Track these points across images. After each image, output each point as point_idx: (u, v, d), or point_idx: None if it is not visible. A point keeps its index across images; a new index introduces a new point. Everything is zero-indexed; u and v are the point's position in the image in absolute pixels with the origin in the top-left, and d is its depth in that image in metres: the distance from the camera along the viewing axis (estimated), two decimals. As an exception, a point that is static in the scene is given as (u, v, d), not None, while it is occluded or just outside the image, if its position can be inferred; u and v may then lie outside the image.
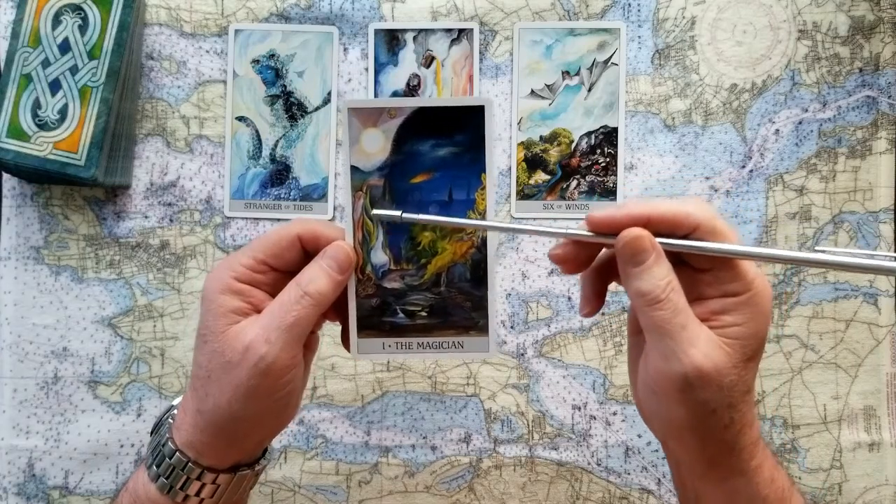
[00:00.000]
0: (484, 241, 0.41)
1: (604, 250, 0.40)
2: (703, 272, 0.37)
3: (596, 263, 0.41)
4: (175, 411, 0.42)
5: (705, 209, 0.37)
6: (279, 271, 0.40)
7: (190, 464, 0.40)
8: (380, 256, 0.42)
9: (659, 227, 0.37)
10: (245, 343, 0.38)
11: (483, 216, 0.41)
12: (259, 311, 0.39)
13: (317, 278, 0.39)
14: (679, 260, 0.38)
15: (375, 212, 0.41)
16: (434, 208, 0.41)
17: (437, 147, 0.41)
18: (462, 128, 0.40)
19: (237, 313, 0.39)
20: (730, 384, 0.36)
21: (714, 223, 0.36)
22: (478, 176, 0.41)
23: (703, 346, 0.35)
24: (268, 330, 0.38)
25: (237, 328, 0.39)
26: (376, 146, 0.41)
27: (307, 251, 0.41)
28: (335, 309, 0.42)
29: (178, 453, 0.40)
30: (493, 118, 0.40)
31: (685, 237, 0.37)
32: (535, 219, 0.59)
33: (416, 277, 0.42)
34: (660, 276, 0.36)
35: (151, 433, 0.43)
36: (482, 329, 0.42)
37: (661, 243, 0.37)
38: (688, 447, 0.38)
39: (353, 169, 0.41)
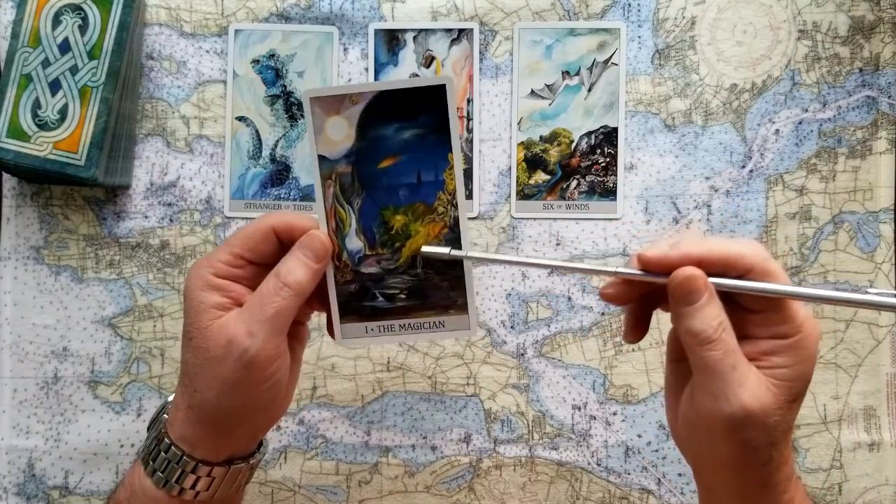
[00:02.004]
0: (456, 221, 0.42)
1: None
2: (753, 313, 0.37)
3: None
4: (169, 408, 0.42)
5: (759, 251, 0.37)
6: (257, 264, 0.41)
7: (184, 457, 0.40)
8: (354, 242, 0.42)
9: (711, 267, 0.37)
10: (228, 337, 0.38)
11: (453, 196, 0.41)
12: (240, 306, 0.40)
13: (295, 269, 0.40)
14: (729, 299, 0.38)
15: (425, 249, 0.41)
16: (404, 191, 0.41)
17: (401, 130, 0.41)
18: (424, 109, 0.40)
19: (218, 308, 0.39)
20: (774, 424, 0.36)
21: (767, 265, 0.37)
22: (444, 156, 0.41)
23: (751, 386, 0.36)
24: (249, 323, 0.38)
25: (219, 323, 0.39)
26: (341, 133, 0.41)
27: (283, 243, 0.41)
28: (318, 298, 0.42)
29: (172, 447, 0.40)
30: (455, 96, 0.41)
31: (738, 278, 0.37)
32: (535, 219, 0.59)
33: (392, 261, 0.42)
34: (712, 316, 0.36)
35: (148, 429, 0.43)
36: (461, 307, 0.43)
37: (713, 283, 0.37)
38: (724, 481, 0.38)
39: (321, 158, 0.41)
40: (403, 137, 0.41)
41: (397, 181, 0.41)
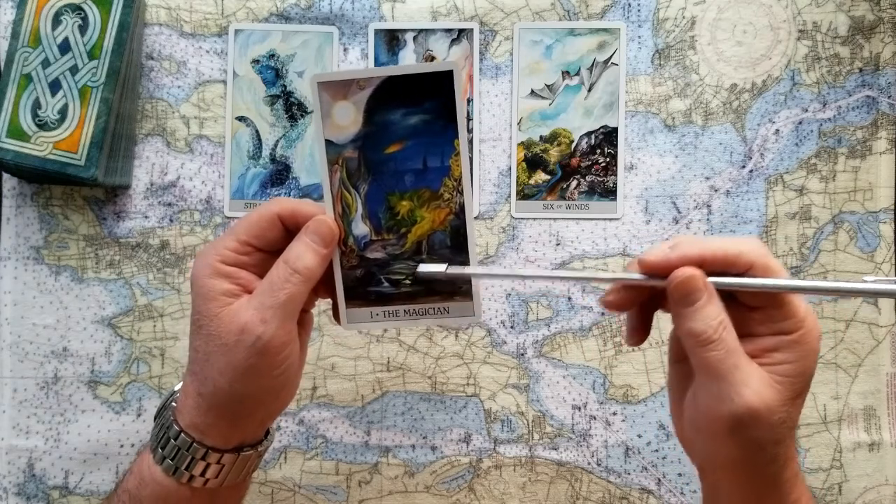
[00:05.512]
0: (462, 208, 0.42)
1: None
2: (755, 310, 0.37)
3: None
4: (178, 396, 0.42)
5: (758, 247, 0.37)
6: (263, 251, 0.41)
7: (195, 444, 0.40)
8: (360, 228, 0.42)
9: (712, 266, 0.37)
10: (240, 325, 0.38)
11: (458, 182, 0.41)
12: (248, 292, 0.40)
13: (303, 254, 0.40)
14: (729, 297, 0.37)
15: (421, 269, 0.42)
16: (409, 177, 0.41)
17: (408, 115, 0.41)
18: (431, 95, 0.40)
19: (227, 295, 0.39)
20: (779, 421, 0.36)
21: (767, 261, 0.36)
22: (451, 142, 0.41)
23: (755, 385, 0.35)
24: (261, 310, 0.39)
25: (230, 310, 0.39)
26: (348, 118, 0.41)
27: (288, 229, 0.41)
28: (323, 284, 0.42)
29: (182, 435, 0.40)
30: (462, 82, 0.40)
31: (738, 276, 0.37)
32: (535, 219, 0.59)
33: (398, 247, 0.42)
34: (712, 316, 0.36)
35: (155, 418, 0.43)
36: (466, 294, 0.43)
37: (712, 282, 0.37)
38: (731, 481, 0.38)
39: (328, 143, 0.41)
40: (410, 123, 0.41)
41: (403, 167, 0.41)
